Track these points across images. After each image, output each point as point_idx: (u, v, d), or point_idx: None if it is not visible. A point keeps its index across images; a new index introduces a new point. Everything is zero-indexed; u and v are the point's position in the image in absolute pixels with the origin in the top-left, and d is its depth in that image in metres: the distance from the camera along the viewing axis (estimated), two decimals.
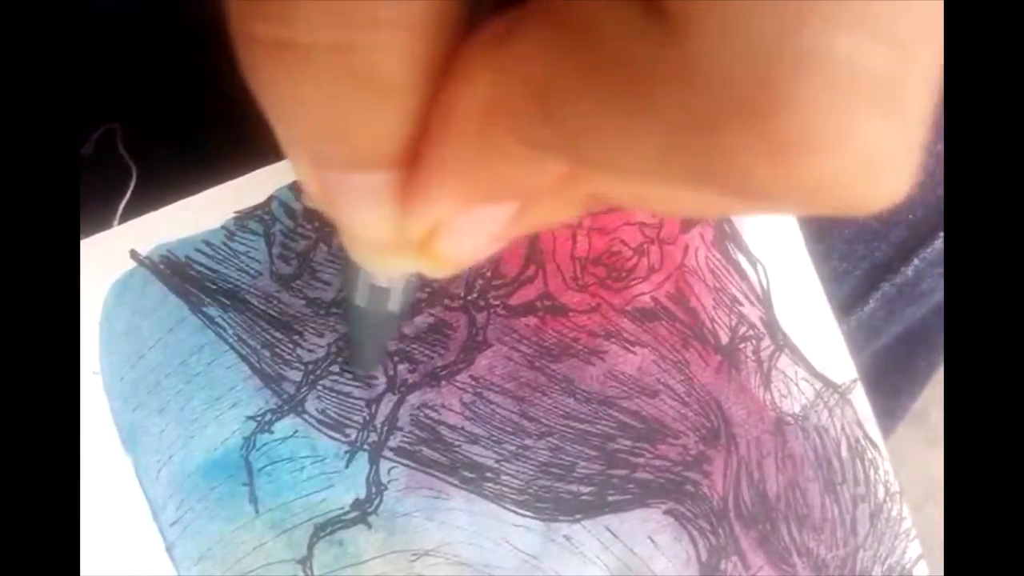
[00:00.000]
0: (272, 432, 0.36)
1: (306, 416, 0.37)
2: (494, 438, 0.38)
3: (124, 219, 0.36)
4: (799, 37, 0.13)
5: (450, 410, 0.38)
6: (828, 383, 0.42)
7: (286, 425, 0.36)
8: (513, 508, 0.38)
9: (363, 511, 0.37)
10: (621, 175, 0.18)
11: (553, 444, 0.39)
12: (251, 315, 0.37)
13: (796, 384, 0.41)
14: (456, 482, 0.38)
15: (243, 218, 0.37)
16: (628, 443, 0.39)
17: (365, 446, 0.37)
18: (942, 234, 0.46)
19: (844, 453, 0.42)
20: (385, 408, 0.37)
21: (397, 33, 0.16)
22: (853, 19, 0.13)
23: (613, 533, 0.39)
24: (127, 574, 0.35)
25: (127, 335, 0.36)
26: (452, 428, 0.38)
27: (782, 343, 0.41)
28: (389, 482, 0.37)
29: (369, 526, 0.37)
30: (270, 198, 0.37)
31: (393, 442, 0.37)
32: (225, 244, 0.36)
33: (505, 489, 0.38)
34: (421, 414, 0.38)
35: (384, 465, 0.37)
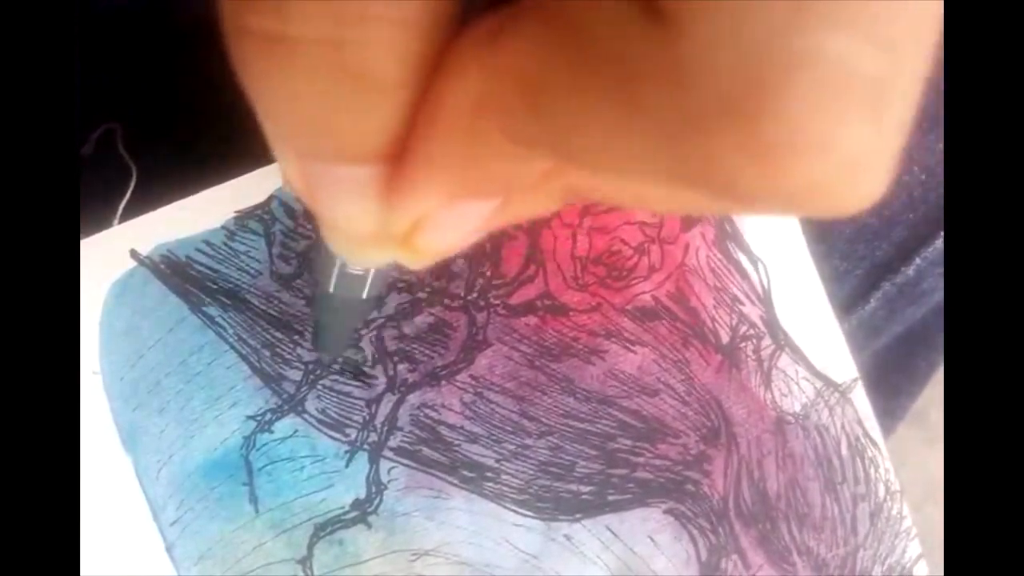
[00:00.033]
0: (272, 432, 0.36)
1: (306, 416, 0.37)
2: (494, 437, 0.38)
3: (124, 219, 0.36)
4: (792, 37, 0.13)
5: (450, 410, 0.38)
6: (829, 382, 0.42)
7: (286, 425, 0.36)
8: (513, 508, 0.38)
9: (363, 511, 0.37)
10: (608, 172, 0.18)
11: (553, 443, 0.39)
12: (251, 315, 0.37)
13: (797, 383, 0.41)
14: (456, 482, 0.38)
15: (243, 218, 0.37)
16: (628, 442, 0.39)
17: (365, 446, 0.37)
18: (943, 234, 0.46)
19: (844, 452, 0.42)
20: (385, 408, 0.37)
21: (388, 29, 0.16)
22: (847, 20, 0.13)
23: (613, 532, 0.39)
24: (127, 574, 0.35)
25: (127, 335, 0.36)
26: (452, 428, 0.38)
27: (783, 342, 0.41)
28: (389, 482, 0.37)
29: (369, 526, 0.37)
30: (270, 198, 0.37)
31: (393, 442, 0.37)
32: (225, 244, 0.36)
33: (505, 489, 0.38)
34: (421, 414, 0.38)
35: (384, 465, 0.37)
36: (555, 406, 0.39)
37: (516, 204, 0.20)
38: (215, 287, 0.36)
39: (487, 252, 0.38)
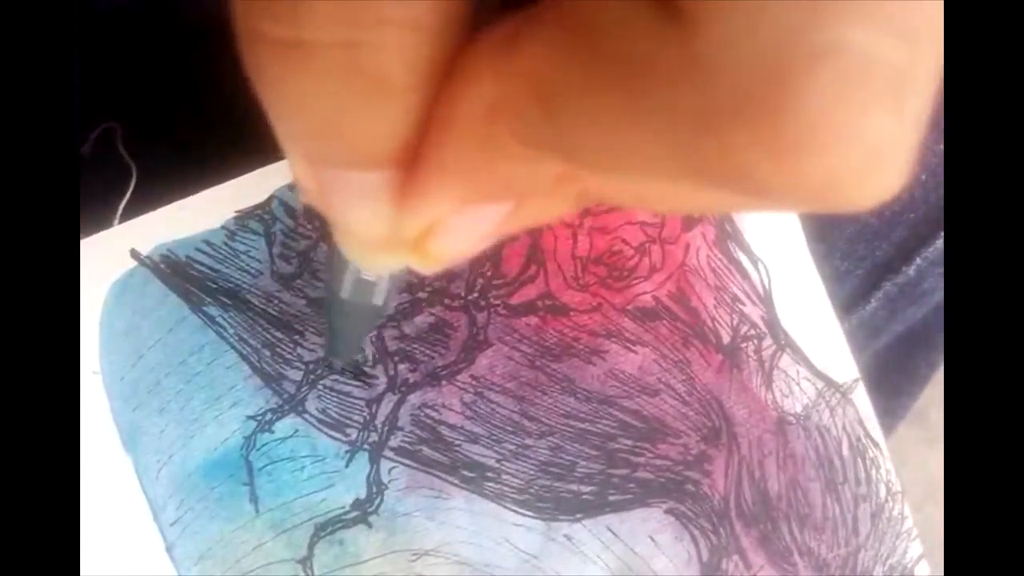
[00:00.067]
0: (272, 432, 0.36)
1: (306, 416, 0.37)
2: (495, 437, 0.38)
3: (124, 218, 0.36)
4: (813, 32, 0.13)
5: (451, 410, 0.38)
6: (829, 382, 0.42)
7: (286, 425, 0.36)
8: (514, 508, 0.38)
9: (363, 511, 0.37)
10: (625, 174, 0.18)
11: (554, 443, 0.39)
12: (252, 314, 0.37)
13: (798, 383, 0.41)
14: (456, 482, 0.38)
15: (243, 217, 0.37)
16: (629, 442, 0.39)
17: (365, 446, 0.37)
18: (943, 234, 0.45)
19: (845, 452, 0.42)
20: (386, 408, 0.37)
21: (402, 33, 0.16)
22: (866, 13, 0.13)
23: (614, 532, 0.39)
24: (127, 574, 0.35)
25: (127, 335, 0.36)
26: (452, 428, 0.38)
27: (783, 342, 0.41)
28: (389, 482, 0.37)
29: (369, 526, 0.37)
30: (270, 197, 0.37)
31: (394, 442, 0.37)
32: (226, 243, 0.36)
33: (506, 488, 0.38)
34: (422, 414, 0.38)
35: (384, 465, 0.37)
36: (556, 406, 0.39)
37: (530, 209, 0.20)
38: (215, 287, 0.36)
39: (488, 252, 0.38)
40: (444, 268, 0.21)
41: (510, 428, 0.38)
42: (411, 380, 0.38)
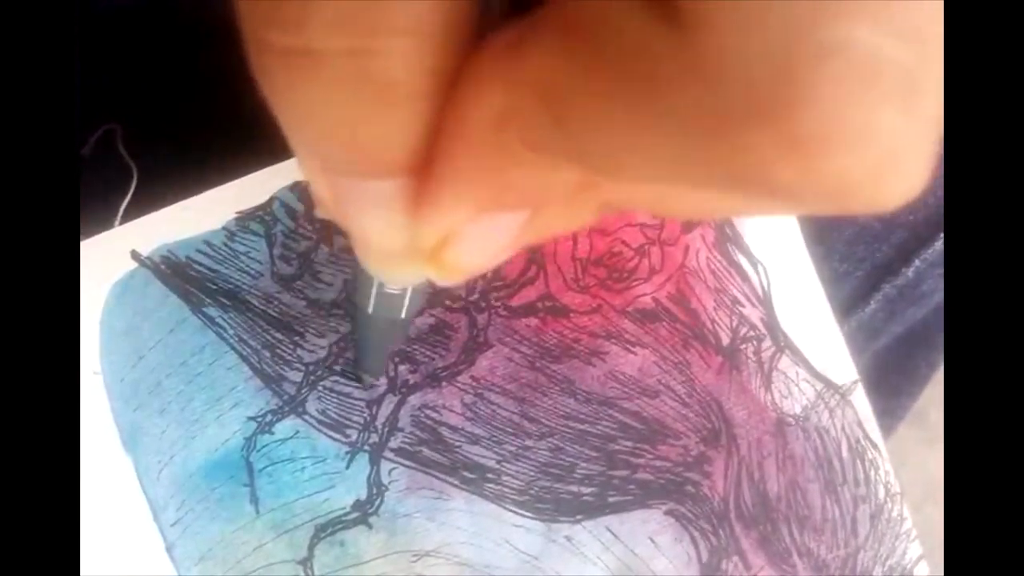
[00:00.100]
0: (273, 433, 0.36)
1: (307, 417, 0.37)
2: (495, 439, 0.38)
3: (125, 219, 0.36)
4: (819, 30, 0.13)
5: (451, 411, 0.38)
6: (829, 384, 0.42)
7: (287, 426, 0.36)
8: (514, 509, 0.38)
9: (364, 512, 0.37)
10: (636, 180, 0.17)
11: (554, 445, 0.39)
12: (252, 316, 0.37)
13: (797, 385, 0.41)
14: (457, 483, 0.38)
15: (244, 219, 0.37)
16: (629, 444, 0.39)
17: (366, 447, 0.37)
18: (942, 235, 0.46)
19: (845, 454, 0.42)
20: (386, 409, 0.37)
21: (410, 40, 0.16)
22: (875, 11, 0.13)
23: (614, 534, 0.39)
24: (127, 574, 0.35)
25: (128, 335, 0.36)
26: (453, 429, 0.38)
27: (783, 344, 0.41)
28: (390, 483, 0.37)
29: (370, 527, 0.37)
30: (271, 199, 0.37)
31: (394, 443, 0.37)
32: (226, 245, 0.37)
33: (506, 490, 0.38)
34: (422, 415, 0.38)
35: (385, 466, 0.37)
36: (556, 407, 0.39)
37: (548, 218, 0.20)
38: (216, 288, 0.36)
39: None
40: (464, 279, 0.21)
41: (510, 429, 0.38)
42: (411, 381, 0.38)
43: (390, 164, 0.18)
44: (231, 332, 0.36)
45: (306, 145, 0.19)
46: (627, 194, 0.19)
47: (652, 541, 0.39)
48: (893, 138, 0.14)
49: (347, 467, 0.37)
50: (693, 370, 0.40)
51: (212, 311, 0.36)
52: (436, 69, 0.16)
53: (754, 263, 0.41)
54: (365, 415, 0.37)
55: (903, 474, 0.42)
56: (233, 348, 0.36)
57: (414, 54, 0.16)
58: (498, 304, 0.38)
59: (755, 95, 0.14)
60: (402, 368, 0.38)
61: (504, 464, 0.38)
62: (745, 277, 0.41)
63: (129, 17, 0.40)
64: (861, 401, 0.42)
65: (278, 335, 0.37)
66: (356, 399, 0.37)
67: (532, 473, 0.38)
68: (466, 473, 0.38)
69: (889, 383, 0.52)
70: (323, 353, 0.37)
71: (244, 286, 0.37)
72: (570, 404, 0.39)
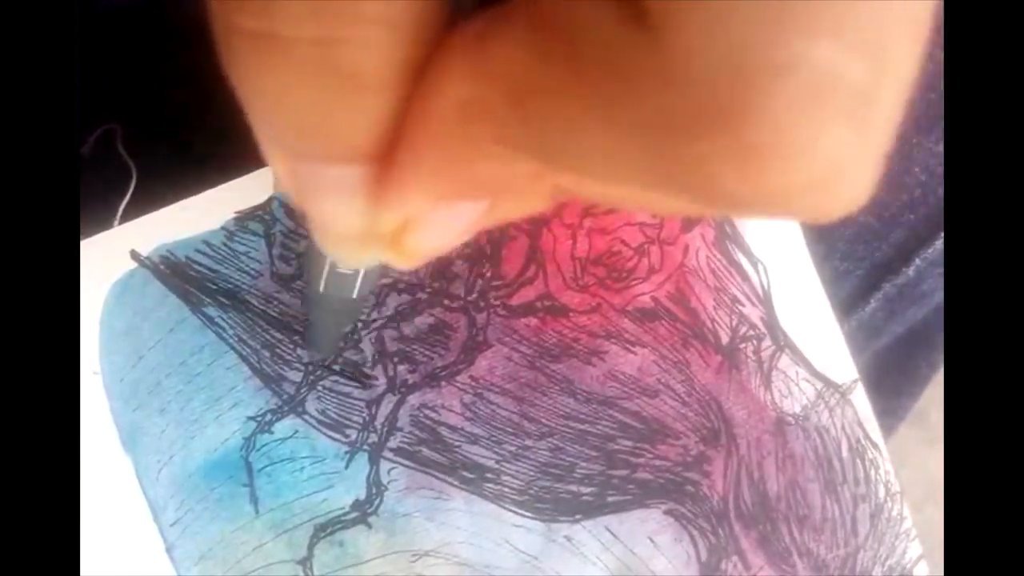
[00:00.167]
0: (272, 432, 0.36)
1: (306, 417, 0.37)
2: (494, 439, 0.38)
3: (124, 219, 0.36)
4: (777, 44, 0.13)
5: (450, 411, 0.38)
6: (829, 383, 0.42)
7: (286, 426, 0.36)
8: (513, 508, 0.38)
9: (363, 512, 0.37)
10: (591, 177, 0.18)
11: (553, 444, 0.39)
12: (251, 315, 0.37)
13: (797, 384, 0.41)
14: (456, 483, 0.38)
15: (243, 218, 0.37)
16: (628, 443, 0.39)
17: (365, 447, 0.37)
18: (943, 234, 0.46)
19: (845, 453, 0.42)
20: (385, 409, 0.37)
21: (379, 29, 0.16)
22: (832, 27, 0.13)
23: (613, 533, 0.39)
24: (127, 574, 0.35)
25: (127, 335, 0.36)
26: (452, 429, 0.38)
27: (783, 343, 0.41)
28: (389, 483, 0.37)
29: (369, 526, 0.37)
30: (270, 198, 0.37)
31: (393, 443, 0.37)
32: (225, 244, 0.36)
33: (505, 490, 0.38)
34: (421, 415, 0.38)
35: (384, 466, 0.37)
36: (555, 407, 0.39)
37: (505, 205, 0.20)
38: (215, 288, 0.36)
39: (487, 253, 0.38)
40: (420, 263, 0.21)
41: (510, 429, 0.38)
42: (411, 381, 0.38)
43: (354, 151, 0.18)
44: (230, 332, 0.36)
45: (270, 130, 0.19)
46: (581, 183, 0.20)
47: (651, 541, 0.39)
48: (839, 153, 0.14)
49: (346, 467, 0.37)
50: (692, 369, 0.40)
51: (211, 311, 0.36)
52: (404, 59, 0.16)
53: (754, 262, 0.41)
54: (364, 415, 0.37)
55: (903, 474, 0.42)
56: (232, 348, 0.36)
57: (382, 43, 0.16)
58: (497, 303, 0.38)
59: (712, 102, 0.14)
60: (401, 368, 0.38)
61: (503, 464, 0.38)
62: (745, 276, 0.41)
63: (129, 17, 0.40)
64: (861, 400, 0.42)
65: (277, 335, 0.37)
66: (355, 399, 0.37)
67: (531, 473, 0.38)
68: (465, 473, 0.38)
69: (889, 383, 0.52)
70: (304, 347, 0.37)
71: (243, 286, 0.37)
72: (569, 404, 0.39)
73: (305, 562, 0.36)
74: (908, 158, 0.45)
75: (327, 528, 0.36)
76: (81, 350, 0.35)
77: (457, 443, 0.38)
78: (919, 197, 0.45)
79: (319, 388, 0.37)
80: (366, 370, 0.37)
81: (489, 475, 0.38)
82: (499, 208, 0.20)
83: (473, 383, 0.38)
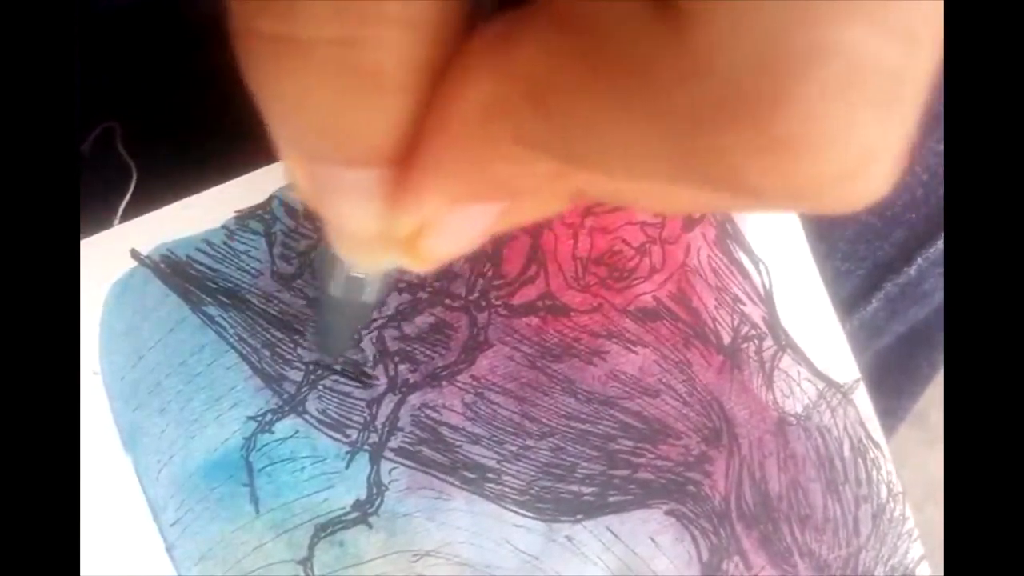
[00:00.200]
0: (273, 432, 0.36)
1: (307, 416, 0.37)
2: (495, 438, 0.38)
3: (124, 218, 0.36)
4: (809, 31, 0.13)
5: (451, 410, 0.38)
6: (830, 383, 0.41)
7: (287, 425, 0.36)
8: (514, 508, 0.38)
9: (364, 511, 0.37)
10: (616, 175, 0.18)
11: (554, 444, 0.39)
12: (252, 314, 0.37)
13: (798, 384, 0.41)
14: (457, 482, 0.38)
15: (244, 217, 0.37)
16: (629, 443, 0.39)
17: (366, 446, 0.37)
18: (944, 234, 0.45)
19: (846, 453, 0.42)
20: (386, 408, 0.37)
21: (398, 31, 0.16)
22: (864, 12, 0.13)
23: (614, 534, 0.39)
24: (127, 574, 0.35)
25: (127, 335, 0.36)
26: (453, 428, 0.38)
27: (784, 343, 0.41)
28: (390, 483, 0.37)
29: (370, 526, 0.37)
30: (271, 197, 0.37)
31: (394, 442, 0.37)
32: (226, 243, 0.36)
33: (506, 489, 0.38)
34: (422, 414, 0.38)
35: (385, 466, 0.37)
36: (556, 407, 0.39)
37: (523, 207, 0.20)
38: (216, 287, 0.36)
39: (488, 252, 0.38)
40: (436, 267, 0.21)
41: (511, 429, 0.38)
42: (411, 381, 0.38)
43: (372, 153, 0.18)
44: (231, 331, 0.36)
45: (288, 132, 0.19)
46: (601, 183, 0.20)
47: (653, 541, 0.39)
48: (869, 141, 0.14)
49: (347, 467, 0.37)
50: (694, 369, 0.40)
51: (212, 310, 0.36)
52: (424, 60, 0.16)
53: (755, 261, 0.41)
54: (365, 415, 0.37)
55: (904, 474, 0.42)
56: (233, 347, 0.36)
57: (401, 45, 0.16)
58: (498, 303, 0.38)
59: (741, 94, 0.14)
60: (402, 367, 0.38)
61: (504, 464, 0.38)
62: (746, 275, 0.41)
63: (129, 17, 0.40)
64: (863, 400, 0.42)
65: (278, 334, 0.37)
66: (356, 399, 0.37)
67: (533, 473, 0.38)
68: (466, 473, 0.38)
69: (891, 382, 0.52)
70: (312, 348, 0.37)
71: (244, 285, 0.37)
72: (571, 403, 0.39)
73: (305, 562, 0.36)
74: (909, 158, 0.45)
75: (328, 528, 0.36)
76: (81, 350, 0.35)
77: (458, 443, 0.38)
78: (921, 197, 0.45)
79: (320, 388, 0.37)
80: (367, 370, 0.37)
81: (490, 475, 0.38)
82: (516, 211, 0.20)
83: (474, 383, 0.38)
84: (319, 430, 0.37)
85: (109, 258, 0.36)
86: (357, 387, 0.37)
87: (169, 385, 0.36)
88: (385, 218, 0.19)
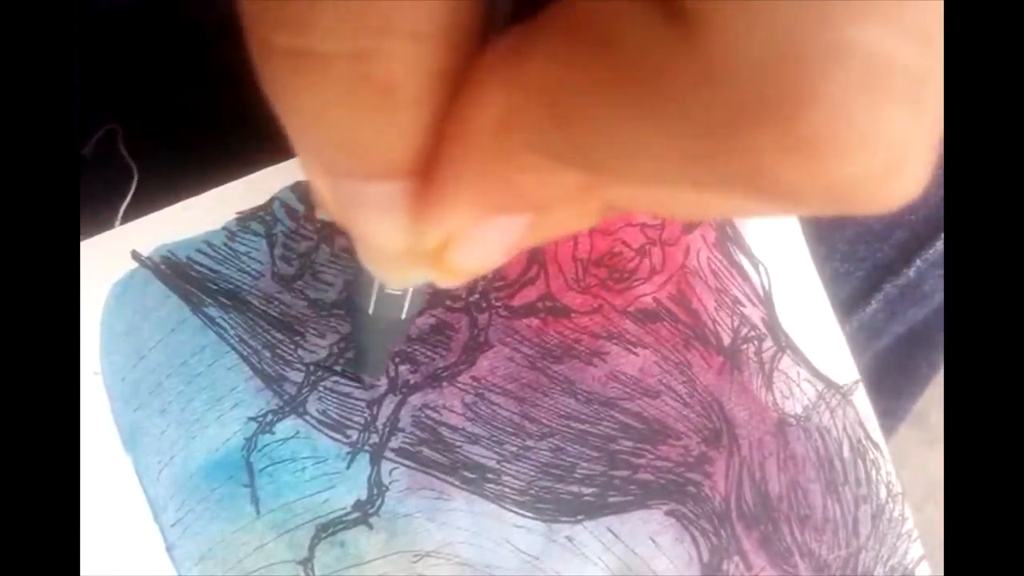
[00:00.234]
0: (273, 433, 0.36)
1: (307, 417, 0.37)
2: (495, 439, 0.38)
3: (125, 220, 0.36)
4: (826, 30, 0.13)
5: (451, 411, 0.38)
6: (830, 384, 0.42)
7: (287, 426, 0.36)
8: (514, 509, 0.38)
9: (364, 512, 0.37)
10: (640, 182, 0.17)
11: (554, 445, 0.39)
12: (252, 316, 0.37)
13: (798, 385, 0.41)
14: (457, 483, 0.38)
15: (244, 219, 0.37)
16: (630, 444, 0.39)
17: (366, 447, 0.37)
18: (943, 235, 0.45)
19: (846, 454, 0.42)
20: (386, 409, 0.37)
21: (416, 43, 0.16)
22: (885, 11, 0.13)
23: (615, 534, 0.39)
24: (127, 574, 0.35)
25: (128, 335, 0.36)
26: (453, 429, 0.38)
27: (784, 344, 0.41)
28: (390, 483, 0.37)
29: (370, 527, 0.37)
30: (272, 199, 0.37)
31: (394, 443, 0.37)
32: (226, 245, 0.37)
33: (506, 490, 0.38)
34: (422, 415, 0.38)
35: (385, 466, 0.37)
36: (556, 408, 0.39)
37: (551, 220, 0.20)
38: (216, 288, 0.36)
39: None
40: (466, 281, 0.21)
41: (511, 429, 0.38)
42: (412, 381, 0.38)
43: (393, 167, 0.18)
44: (231, 332, 0.36)
45: (309, 147, 0.19)
46: (630, 195, 0.19)
47: (653, 541, 0.39)
48: (899, 140, 0.14)
49: (348, 467, 0.37)
50: (694, 370, 0.40)
51: (212, 311, 0.36)
52: (440, 72, 0.16)
53: (755, 263, 0.41)
54: (366, 415, 0.37)
55: (904, 475, 0.42)
56: (234, 348, 0.36)
57: (418, 57, 0.16)
58: (499, 304, 0.38)
59: (762, 96, 0.14)
60: (403, 368, 0.38)
61: (505, 464, 0.38)
62: (746, 277, 0.41)
63: (129, 17, 0.40)
64: (862, 401, 0.42)
65: (279, 335, 0.37)
66: (357, 399, 0.37)
67: (533, 473, 0.38)
68: (467, 473, 0.38)
69: (890, 383, 0.52)
70: (324, 353, 0.37)
71: (245, 286, 0.37)
72: (571, 404, 0.39)
73: (306, 563, 0.36)
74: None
75: (328, 528, 0.36)
76: (82, 350, 0.35)
77: (458, 443, 0.38)
78: (920, 198, 0.45)
79: (320, 388, 0.37)
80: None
81: (490, 475, 0.38)
82: (544, 224, 0.20)
83: (474, 383, 0.38)
84: (320, 431, 0.37)
85: (110, 259, 0.36)
86: (357, 388, 0.37)
87: (170, 385, 0.36)
88: (411, 232, 0.19)
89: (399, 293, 0.30)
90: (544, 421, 0.39)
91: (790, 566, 0.41)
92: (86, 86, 0.37)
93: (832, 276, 0.44)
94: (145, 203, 0.36)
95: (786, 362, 0.41)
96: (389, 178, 0.18)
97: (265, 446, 0.36)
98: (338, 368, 0.37)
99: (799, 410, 0.41)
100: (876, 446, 0.42)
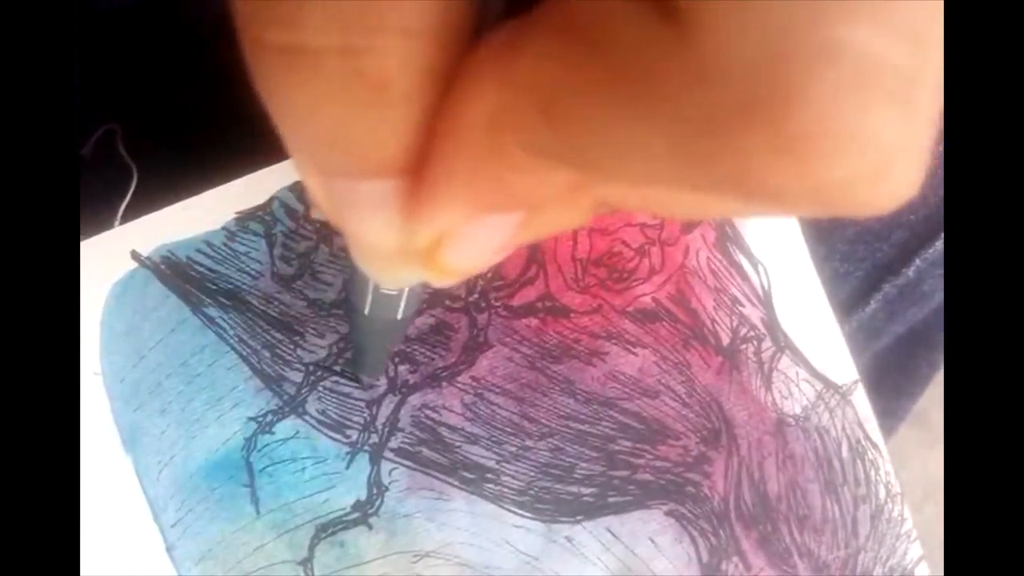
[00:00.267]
0: (273, 433, 0.36)
1: (307, 417, 0.37)
2: (495, 439, 0.38)
3: (125, 220, 0.36)
4: (818, 30, 0.13)
5: (451, 411, 0.38)
6: (829, 384, 0.42)
7: (287, 426, 0.36)
8: (514, 509, 0.38)
9: (364, 512, 0.37)
10: (630, 181, 0.17)
11: (554, 445, 0.39)
12: (252, 316, 0.37)
13: (797, 385, 0.41)
14: (457, 483, 0.38)
15: (244, 219, 0.37)
16: (629, 444, 0.39)
17: (366, 447, 0.37)
18: (943, 235, 0.46)
19: (845, 454, 0.42)
20: (386, 409, 0.37)
21: (406, 39, 0.16)
22: (874, 11, 0.13)
23: (614, 534, 0.39)
24: (127, 574, 0.35)
25: (128, 336, 0.36)
26: (453, 429, 0.38)
27: (783, 344, 0.41)
28: (390, 483, 0.37)
29: (370, 527, 0.37)
30: (271, 199, 0.37)
31: (394, 443, 0.37)
32: (226, 245, 0.37)
33: (506, 490, 0.38)
34: (422, 415, 0.38)
35: (385, 466, 0.37)
36: (556, 408, 0.39)
37: (543, 219, 0.20)
38: (216, 288, 0.36)
39: None
40: (459, 280, 0.21)
41: (510, 429, 0.38)
42: (411, 381, 0.38)
43: (384, 164, 0.18)
44: (231, 332, 0.36)
45: (302, 145, 0.19)
46: (622, 194, 0.19)
47: (652, 541, 0.39)
48: (889, 141, 0.14)
49: (347, 467, 0.37)
50: (693, 370, 0.40)
51: (212, 311, 0.36)
52: (431, 69, 0.16)
53: (754, 263, 0.41)
54: (365, 415, 0.37)
55: (903, 475, 0.42)
56: (233, 348, 0.36)
57: (409, 53, 0.16)
58: (498, 304, 0.38)
59: (754, 95, 0.14)
60: (402, 368, 0.38)
61: (504, 464, 0.38)
62: (745, 277, 0.41)
63: (129, 17, 0.40)
64: (861, 401, 0.42)
65: (278, 335, 0.37)
66: (356, 399, 0.37)
67: (532, 473, 0.38)
68: (466, 473, 0.38)
69: (890, 383, 0.52)
70: (323, 353, 0.37)
71: (244, 286, 0.37)
72: (570, 404, 0.39)
73: (306, 563, 0.36)
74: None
75: (328, 529, 0.36)
76: (82, 350, 0.35)
77: (458, 443, 0.38)
78: (919, 198, 0.45)
79: (320, 389, 0.37)
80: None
81: (489, 475, 0.38)
82: (536, 222, 0.20)
83: (474, 383, 0.38)
84: (319, 431, 0.37)
85: (109, 259, 0.36)
86: (357, 388, 0.37)
87: (170, 386, 0.36)
88: (403, 231, 0.19)
89: (394, 293, 0.30)
90: (543, 421, 0.39)
91: (789, 566, 0.41)
92: (86, 86, 0.37)
93: (831, 276, 0.44)
94: (145, 203, 0.36)
95: (785, 362, 0.41)
96: (381, 176, 0.18)
97: (265, 446, 0.36)
98: (337, 368, 0.37)
99: (798, 410, 0.41)
100: (875, 446, 0.42)
